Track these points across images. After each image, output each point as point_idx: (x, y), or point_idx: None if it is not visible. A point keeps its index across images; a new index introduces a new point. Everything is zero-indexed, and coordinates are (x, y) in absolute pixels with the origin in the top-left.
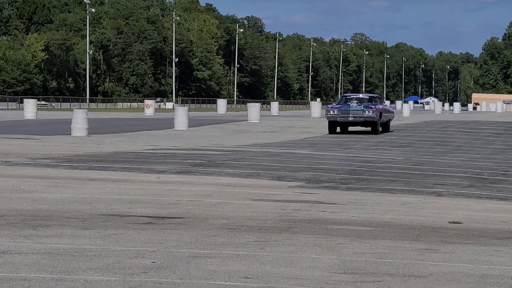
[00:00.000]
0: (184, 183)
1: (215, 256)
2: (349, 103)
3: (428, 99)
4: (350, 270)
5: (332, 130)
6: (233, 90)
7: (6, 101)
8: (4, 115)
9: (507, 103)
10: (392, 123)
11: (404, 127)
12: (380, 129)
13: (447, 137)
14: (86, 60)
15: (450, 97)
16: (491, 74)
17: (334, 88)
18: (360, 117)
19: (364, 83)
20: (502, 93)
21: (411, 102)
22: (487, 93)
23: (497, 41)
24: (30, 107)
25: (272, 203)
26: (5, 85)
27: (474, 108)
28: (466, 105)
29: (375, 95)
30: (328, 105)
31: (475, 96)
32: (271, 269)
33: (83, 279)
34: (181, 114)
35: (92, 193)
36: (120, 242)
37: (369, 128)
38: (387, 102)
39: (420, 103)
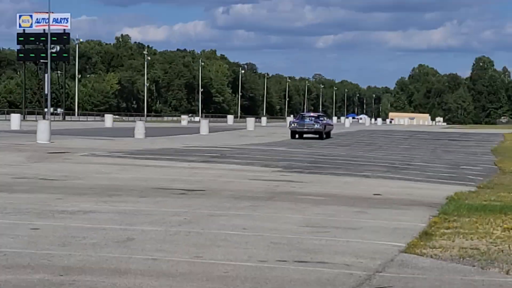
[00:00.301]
0: (206, 168)
1: (224, 215)
2: (304, 119)
3: (361, 116)
4: (310, 224)
5: (293, 137)
6: (238, 109)
7: (94, 116)
8: (92, 124)
9: (411, 119)
10: (337, 131)
11: (345, 134)
12: (324, 136)
13: (373, 140)
14: (145, 90)
15: (375, 115)
16: (400, 101)
17: (302, 108)
18: (312, 128)
19: (321, 105)
20: (408, 113)
21: (350, 118)
22: (398, 112)
23: (405, 79)
24: (109, 120)
25: (261, 182)
26: (93, 105)
27: (390, 122)
28: (385, 120)
29: (321, 113)
30: (290, 120)
31: (391, 114)
32: (261, 223)
33: (140, 229)
34: (204, 124)
35: (147, 174)
36: (164, 206)
37: (317, 136)
38: (334, 118)
39: (356, 119)
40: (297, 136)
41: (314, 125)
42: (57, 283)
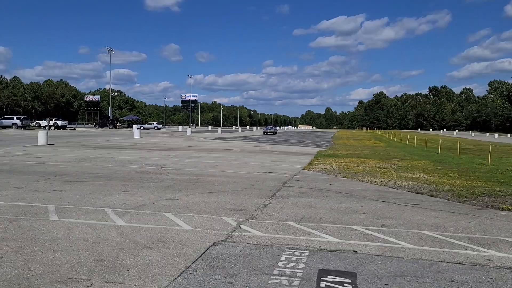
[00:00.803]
0: (239, 142)
1: (246, 157)
2: (268, 127)
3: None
4: (273, 160)
5: (264, 134)
6: None
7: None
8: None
9: (306, 127)
10: (281, 131)
11: (284, 132)
12: (275, 133)
13: (293, 134)
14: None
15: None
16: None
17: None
18: (271, 131)
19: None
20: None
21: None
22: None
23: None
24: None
25: (258, 147)
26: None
27: (298, 127)
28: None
29: (273, 125)
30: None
31: (300, 126)
32: (256, 160)
33: (219, 162)
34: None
35: (220, 145)
36: (227, 155)
37: (273, 134)
38: (277, 127)
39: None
40: (266, 133)
41: (272, 129)
42: (193, 179)
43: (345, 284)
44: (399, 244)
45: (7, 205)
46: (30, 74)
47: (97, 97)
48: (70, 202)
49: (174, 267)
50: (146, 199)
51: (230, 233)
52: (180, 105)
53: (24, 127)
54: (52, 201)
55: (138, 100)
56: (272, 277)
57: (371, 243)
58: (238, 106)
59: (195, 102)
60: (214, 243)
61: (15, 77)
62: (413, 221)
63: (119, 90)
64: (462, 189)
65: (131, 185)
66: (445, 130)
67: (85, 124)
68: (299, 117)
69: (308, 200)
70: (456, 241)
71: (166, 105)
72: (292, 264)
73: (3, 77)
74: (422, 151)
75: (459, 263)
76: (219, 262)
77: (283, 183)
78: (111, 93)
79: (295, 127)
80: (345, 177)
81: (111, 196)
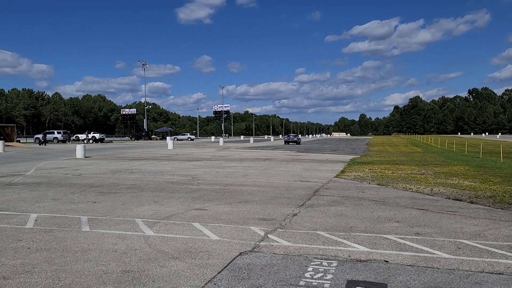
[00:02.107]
0: (271, 152)
1: (277, 166)
2: (290, 135)
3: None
4: (304, 169)
5: (285, 144)
6: None
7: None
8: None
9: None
10: (314, 139)
11: (317, 141)
12: (299, 143)
13: (326, 142)
14: None
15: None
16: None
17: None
18: (294, 140)
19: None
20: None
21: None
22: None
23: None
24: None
25: (290, 156)
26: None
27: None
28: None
29: (296, 134)
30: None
31: (333, 133)
32: (288, 169)
33: (249, 171)
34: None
35: (252, 154)
36: (258, 164)
37: (296, 144)
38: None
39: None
40: (288, 143)
41: (294, 138)
42: (223, 188)
43: None
44: (434, 254)
45: (43, 217)
46: (71, 90)
47: (133, 110)
48: (102, 213)
49: (199, 278)
50: (175, 210)
51: (257, 243)
52: (213, 115)
53: (64, 141)
54: (86, 212)
55: (172, 112)
56: None
57: (404, 253)
58: (270, 115)
59: (227, 112)
60: (240, 253)
61: (56, 93)
62: (450, 229)
63: (154, 103)
64: (504, 195)
65: (162, 196)
66: (487, 133)
67: (122, 136)
68: (333, 124)
69: (339, 209)
70: (496, 250)
71: (199, 116)
72: (319, 274)
73: (45, 93)
74: (462, 156)
75: (499, 273)
76: (244, 273)
77: (314, 191)
78: (146, 106)
79: (329, 135)
80: (379, 184)
81: (142, 206)
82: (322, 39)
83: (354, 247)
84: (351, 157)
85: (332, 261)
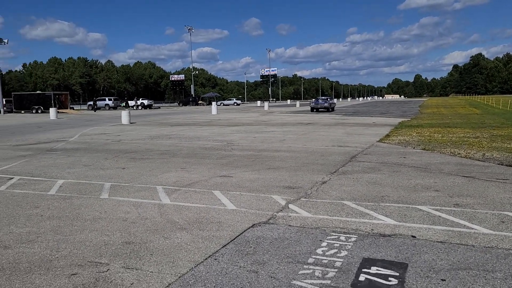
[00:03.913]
0: (314, 116)
1: (317, 131)
2: (318, 100)
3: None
4: (346, 133)
5: (312, 111)
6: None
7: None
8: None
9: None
10: (365, 102)
11: (367, 104)
12: (331, 110)
13: (376, 104)
14: None
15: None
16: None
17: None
18: (324, 106)
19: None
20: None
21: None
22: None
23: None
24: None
25: (335, 120)
26: None
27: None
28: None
29: (327, 97)
30: (310, 101)
31: (386, 95)
32: (329, 133)
33: (287, 136)
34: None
35: (295, 119)
36: (297, 129)
37: (327, 111)
38: (335, 99)
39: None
40: (315, 110)
41: (324, 103)
42: (255, 154)
43: (389, 278)
44: (472, 229)
45: (69, 183)
46: (123, 57)
47: (181, 76)
48: (127, 179)
49: (200, 252)
50: (200, 177)
51: (274, 213)
52: (260, 80)
53: (115, 107)
54: (111, 179)
55: (220, 77)
56: (305, 266)
57: (436, 227)
58: (319, 78)
59: (274, 76)
60: (253, 225)
61: (108, 60)
62: (496, 200)
63: (202, 69)
64: None
65: (191, 162)
66: None
67: (171, 102)
68: (385, 86)
69: (374, 176)
70: None
71: (247, 80)
72: (333, 251)
73: (98, 61)
74: None
75: None
76: (251, 247)
77: (351, 157)
78: (193, 72)
79: (381, 97)
80: (424, 149)
81: (168, 173)
82: None
83: (380, 220)
84: (400, 120)
85: (351, 236)
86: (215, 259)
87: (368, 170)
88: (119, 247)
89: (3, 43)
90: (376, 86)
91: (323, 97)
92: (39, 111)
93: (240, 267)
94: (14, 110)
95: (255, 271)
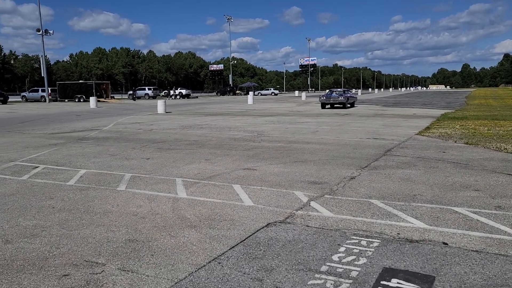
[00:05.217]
0: (353, 107)
1: (352, 122)
2: (332, 93)
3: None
4: (384, 125)
5: (322, 107)
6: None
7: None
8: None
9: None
10: (407, 92)
11: (409, 95)
12: (349, 106)
13: (419, 95)
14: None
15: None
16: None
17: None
18: (338, 101)
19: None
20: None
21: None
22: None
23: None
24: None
25: (373, 111)
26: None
27: (428, 88)
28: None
29: (345, 89)
30: (320, 95)
31: (430, 86)
32: (365, 125)
33: (320, 127)
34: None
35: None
36: (332, 120)
37: (343, 107)
38: (359, 91)
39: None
40: (328, 106)
41: (339, 98)
42: (285, 146)
43: None
44: None
45: (90, 173)
46: (165, 48)
47: (220, 66)
48: (149, 170)
49: (205, 253)
50: (223, 169)
51: (293, 211)
52: (299, 70)
53: (154, 97)
54: (133, 169)
55: (259, 67)
56: (316, 275)
57: (472, 233)
58: (361, 67)
59: (314, 65)
60: (268, 224)
61: (150, 51)
62: None
63: (241, 58)
64: None
65: (217, 153)
66: None
67: (210, 92)
68: (430, 76)
69: (408, 172)
70: None
71: (286, 70)
72: (350, 258)
73: (140, 51)
74: None
75: None
76: (261, 250)
77: (386, 151)
78: (231, 61)
79: (425, 88)
80: (467, 143)
81: (192, 164)
82: None
83: (409, 222)
84: (443, 111)
85: (373, 240)
86: (219, 263)
87: (402, 166)
88: (120, 245)
89: (48, 34)
90: (420, 76)
91: (338, 89)
92: (81, 100)
93: (244, 273)
94: (58, 99)
95: (260, 279)
